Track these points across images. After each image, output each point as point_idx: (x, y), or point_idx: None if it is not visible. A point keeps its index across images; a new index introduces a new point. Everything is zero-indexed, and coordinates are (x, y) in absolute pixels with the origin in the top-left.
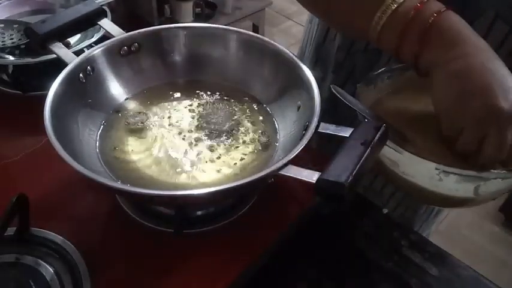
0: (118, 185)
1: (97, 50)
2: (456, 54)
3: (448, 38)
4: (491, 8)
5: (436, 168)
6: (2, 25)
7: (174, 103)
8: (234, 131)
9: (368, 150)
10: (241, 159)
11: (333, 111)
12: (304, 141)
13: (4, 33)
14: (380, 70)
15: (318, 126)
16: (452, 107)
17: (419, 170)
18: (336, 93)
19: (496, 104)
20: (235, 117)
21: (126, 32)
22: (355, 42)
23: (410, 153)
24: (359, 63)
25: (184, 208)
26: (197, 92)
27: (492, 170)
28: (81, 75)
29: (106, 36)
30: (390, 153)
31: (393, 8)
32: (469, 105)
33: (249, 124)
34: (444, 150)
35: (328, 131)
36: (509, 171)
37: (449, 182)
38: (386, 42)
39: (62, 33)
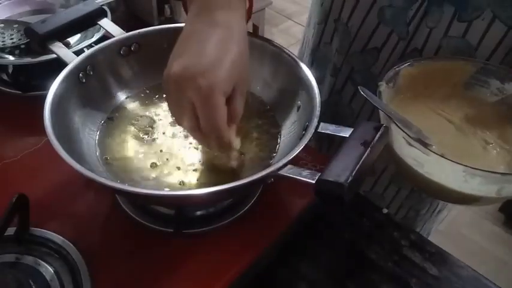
0: (118, 185)
1: (97, 50)
2: (203, 15)
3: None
4: (489, 8)
5: (463, 171)
6: (2, 25)
7: None
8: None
9: (368, 151)
10: (241, 159)
11: (331, 113)
12: (304, 141)
13: (4, 33)
14: (399, 67)
15: (318, 126)
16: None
17: (445, 171)
18: (366, 96)
19: (169, 67)
20: None
21: (126, 32)
22: (353, 44)
23: (438, 155)
24: (356, 65)
25: (184, 208)
26: None
27: None
28: (81, 75)
29: (106, 36)
30: (416, 154)
31: None
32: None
33: (248, 124)
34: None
35: (328, 131)
36: None
37: (474, 183)
38: None
39: (62, 33)
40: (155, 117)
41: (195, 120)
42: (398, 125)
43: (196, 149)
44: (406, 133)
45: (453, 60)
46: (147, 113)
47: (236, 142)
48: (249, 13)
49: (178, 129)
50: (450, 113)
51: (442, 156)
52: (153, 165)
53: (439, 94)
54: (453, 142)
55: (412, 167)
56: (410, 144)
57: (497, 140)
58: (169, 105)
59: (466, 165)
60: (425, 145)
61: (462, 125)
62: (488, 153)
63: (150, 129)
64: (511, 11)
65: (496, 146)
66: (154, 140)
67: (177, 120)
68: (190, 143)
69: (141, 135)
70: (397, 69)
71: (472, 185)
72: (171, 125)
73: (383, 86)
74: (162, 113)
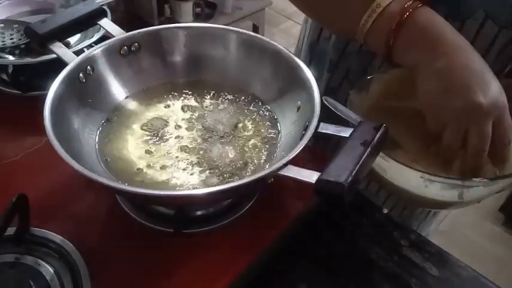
0: (118, 185)
1: (97, 50)
2: (438, 53)
3: (429, 37)
4: (481, 8)
5: (421, 177)
6: (2, 25)
7: (174, 103)
8: (233, 131)
9: (368, 151)
10: (241, 159)
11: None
12: (304, 141)
13: (4, 33)
14: (371, 76)
15: (317, 126)
16: (436, 104)
17: (405, 177)
18: (329, 105)
19: (475, 100)
20: (235, 117)
21: (126, 32)
22: (350, 43)
23: (396, 161)
24: (353, 64)
25: (184, 208)
26: (197, 92)
27: (474, 179)
28: (81, 75)
29: (106, 36)
30: (379, 160)
31: (379, 11)
32: (450, 102)
33: (248, 124)
34: (431, 152)
35: (328, 131)
36: (490, 179)
37: (434, 188)
38: (374, 45)
39: (62, 33)
40: (155, 118)
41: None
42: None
43: (197, 149)
44: None
45: None
46: (147, 113)
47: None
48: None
49: (179, 129)
50: (423, 121)
51: (399, 163)
52: (154, 165)
53: (413, 102)
54: (424, 148)
55: (378, 172)
56: None
57: None
58: (452, 134)
59: (422, 171)
60: (394, 147)
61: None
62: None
63: (150, 129)
64: (503, 12)
65: None
66: (154, 140)
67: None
68: (190, 143)
69: (141, 135)
70: (368, 77)
71: (434, 191)
72: (171, 125)
73: (353, 95)
74: (162, 113)
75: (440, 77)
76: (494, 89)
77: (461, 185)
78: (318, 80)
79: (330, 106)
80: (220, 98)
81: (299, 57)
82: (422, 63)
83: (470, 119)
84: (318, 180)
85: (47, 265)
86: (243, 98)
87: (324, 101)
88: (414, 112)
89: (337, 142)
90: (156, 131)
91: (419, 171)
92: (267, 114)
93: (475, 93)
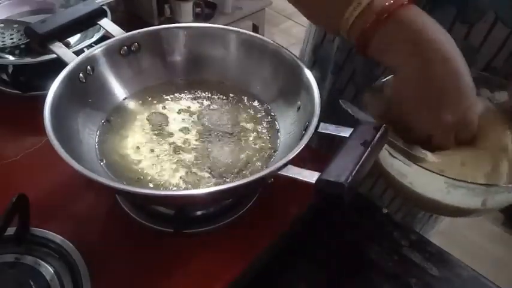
0: (118, 185)
1: (97, 50)
2: (415, 57)
3: (408, 38)
4: (491, 10)
5: (445, 182)
6: (2, 25)
7: (174, 103)
8: (233, 131)
9: (368, 151)
10: (241, 159)
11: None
12: (304, 141)
13: (4, 33)
14: (385, 77)
15: (318, 127)
16: (410, 111)
17: (427, 182)
18: (346, 108)
19: (443, 118)
20: (235, 117)
21: (126, 32)
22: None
23: (419, 166)
24: (359, 66)
25: (184, 208)
26: (197, 92)
27: (501, 184)
28: (81, 75)
29: (106, 36)
30: (399, 165)
31: (363, 5)
32: (422, 113)
33: (248, 124)
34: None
35: (328, 131)
36: None
37: (457, 195)
38: (355, 42)
39: (62, 33)
40: (155, 117)
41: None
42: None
43: (197, 149)
44: (393, 143)
45: None
46: (147, 113)
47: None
48: None
49: (180, 129)
50: None
51: (423, 167)
52: (154, 165)
53: None
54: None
55: (396, 178)
56: (392, 156)
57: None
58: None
59: (448, 177)
60: (412, 155)
61: None
62: (473, 163)
63: (150, 129)
64: None
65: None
66: (154, 139)
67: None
68: (190, 143)
69: (141, 135)
70: (383, 80)
71: (456, 197)
72: (171, 125)
73: (368, 97)
74: (162, 113)
75: (416, 84)
76: (464, 103)
77: (486, 191)
78: (322, 82)
79: (347, 108)
80: (220, 98)
81: (303, 59)
82: (399, 65)
83: (434, 131)
84: (318, 180)
85: (47, 265)
86: (243, 98)
87: (342, 104)
88: None
89: (340, 142)
90: (156, 130)
91: (445, 176)
92: (267, 114)
93: (445, 110)
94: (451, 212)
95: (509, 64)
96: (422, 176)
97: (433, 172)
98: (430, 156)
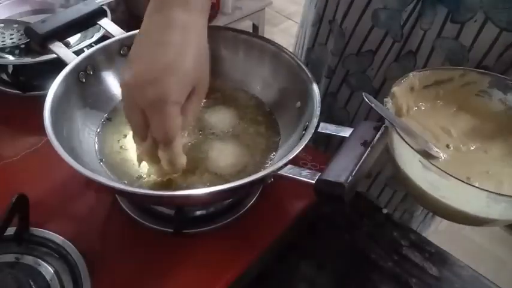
0: (118, 185)
1: (97, 50)
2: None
3: None
4: (482, 10)
5: (487, 197)
6: (2, 25)
7: None
8: (233, 131)
9: (368, 150)
10: (241, 159)
11: (327, 116)
12: (304, 141)
13: (4, 33)
14: (406, 75)
15: (317, 126)
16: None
17: (464, 196)
18: (369, 102)
19: (120, 79)
20: (235, 117)
21: (126, 32)
22: (348, 46)
23: (460, 180)
24: (352, 67)
25: (184, 208)
26: None
27: None
28: (81, 75)
29: (106, 36)
30: (433, 178)
31: None
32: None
33: (248, 124)
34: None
35: (328, 131)
36: None
37: (496, 208)
38: None
39: (62, 33)
40: None
41: (146, 130)
42: (401, 134)
43: (196, 149)
44: (409, 144)
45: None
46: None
47: (182, 159)
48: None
49: None
50: (450, 126)
51: (465, 182)
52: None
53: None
54: (455, 157)
55: (426, 190)
56: (425, 167)
57: (498, 153)
58: (125, 115)
59: (490, 191)
60: (431, 157)
61: (462, 138)
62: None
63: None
64: (503, 13)
65: (499, 161)
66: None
67: (132, 129)
68: (190, 143)
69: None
70: (404, 79)
71: (494, 210)
72: None
73: (389, 103)
74: None
75: (135, 42)
76: (158, 66)
77: None
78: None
79: (370, 103)
80: (220, 98)
81: None
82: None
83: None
84: (318, 180)
85: (47, 265)
86: (243, 98)
87: (365, 98)
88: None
89: (338, 142)
90: None
91: (487, 190)
92: (267, 114)
93: (127, 67)
94: (482, 222)
95: (501, 63)
96: (460, 190)
97: (475, 187)
98: (441, 155)
